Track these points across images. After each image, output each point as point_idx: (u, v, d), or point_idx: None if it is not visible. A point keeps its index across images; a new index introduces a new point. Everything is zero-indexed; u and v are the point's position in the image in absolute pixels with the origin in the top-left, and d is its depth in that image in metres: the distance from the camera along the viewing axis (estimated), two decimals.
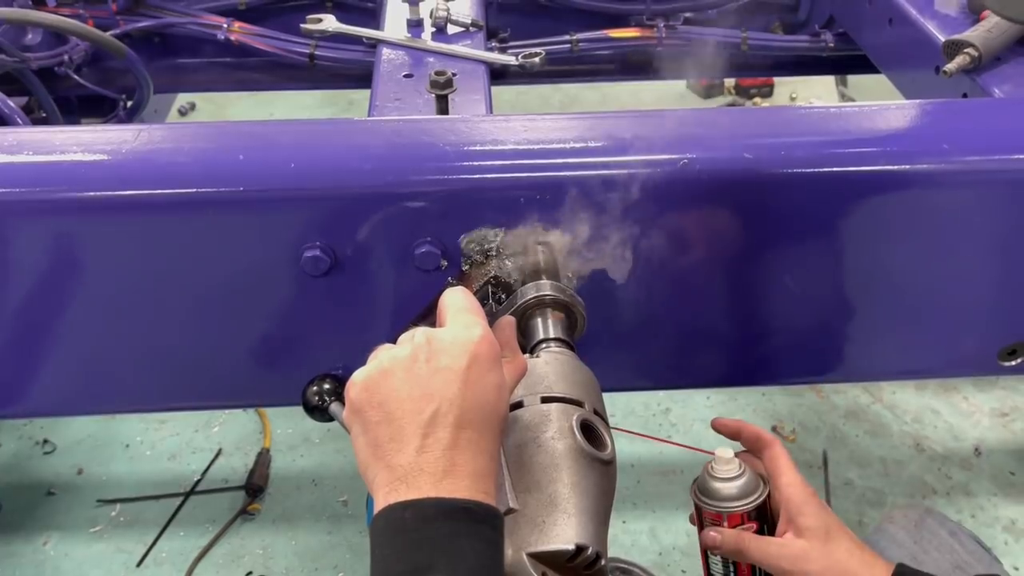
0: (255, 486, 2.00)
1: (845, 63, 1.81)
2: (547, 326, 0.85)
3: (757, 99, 3.69)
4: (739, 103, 3.67)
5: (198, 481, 2.05)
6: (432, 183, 0.94)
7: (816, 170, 0.96)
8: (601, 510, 0.71)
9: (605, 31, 1.73)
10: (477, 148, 0.96)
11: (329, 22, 1.39)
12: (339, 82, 1.77)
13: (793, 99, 3.68)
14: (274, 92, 2.89)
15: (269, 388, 1.07)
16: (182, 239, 0.95)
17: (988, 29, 1.25)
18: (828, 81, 3.29)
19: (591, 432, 0.74)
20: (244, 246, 0.96)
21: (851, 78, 3.03)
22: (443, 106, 1.12)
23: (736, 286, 1.05)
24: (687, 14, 1.79)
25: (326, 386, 0.92)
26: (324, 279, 0.97)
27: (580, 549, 0.66)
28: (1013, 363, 1.12)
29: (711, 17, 1.86)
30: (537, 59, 1.26)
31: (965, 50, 1.24)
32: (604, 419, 0.77)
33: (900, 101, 1.35)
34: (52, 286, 0.97)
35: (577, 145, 0.96)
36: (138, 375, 1.05)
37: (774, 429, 2.19)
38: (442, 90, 1.11)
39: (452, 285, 0.98)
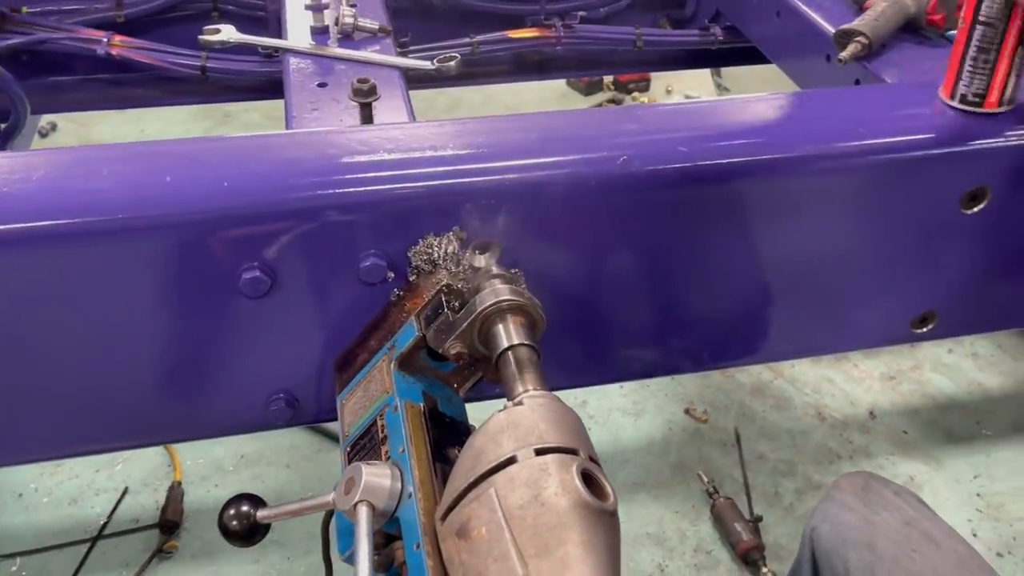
0: (170, 522, 1.90)
1: (736, 55, 1.88)
2: (509, 332, 0.83)
3: (636, 94, 3.80)
4: (618, 99, 3.76)
5: (105, 524, 1.92)
6: (372, 194, 0.92)
7: (731, 160, 0.99)
8: (614, 564, 0.67)
9: (504, 32, 1.74)
10: (416, 156, 0.94)
11: (228, 32, 1.32)
12: (233, 94, 1.71)
13: (669, 92, 3.81)
14: (142, 108, 2.75)
15: (203, 421, 1.02)
16: (105, 271, 0.88)
17: (875, 18, 1.32)
18: (703, 73, 3.42)
19: (592, 481, 0.69)
20: (175, 272, 0.90)
21: (724, 69, 3.15)
22: (367, 114, 1.09)
23: (654, 280, 1.07)
24: (581, 12, 1.81)
25: (244, 508, 0.82)
26: (264, 300, 0.93)
27: None
28: (924, 330, 1.20)
29: (602, 15, 1.89)
30: (453, 63, 1.25)
31: (856, 39, 1.31)
32: (599, 464, 0.73)
33: (818, 90, 1.42)
34: None
35: (518, 148, 0.96)
36: (42, 421, 0.97)
37: (687, 411, 2.26)
38: (366, 98, 1.08)
39: (399, 296, 0.96)
